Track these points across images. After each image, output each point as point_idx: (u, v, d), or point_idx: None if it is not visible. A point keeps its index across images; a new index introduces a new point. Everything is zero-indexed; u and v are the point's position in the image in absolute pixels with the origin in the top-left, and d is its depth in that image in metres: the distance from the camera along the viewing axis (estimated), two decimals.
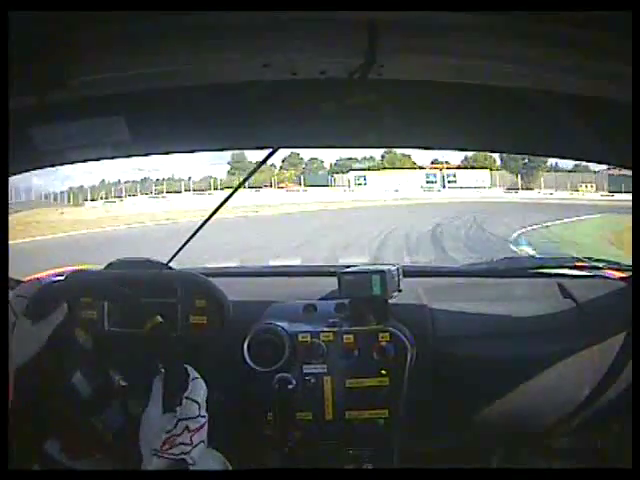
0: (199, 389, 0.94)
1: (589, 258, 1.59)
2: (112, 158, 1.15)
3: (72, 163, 1.21)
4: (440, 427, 1.30)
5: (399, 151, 23.77)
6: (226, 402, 1.24)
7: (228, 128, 1.08)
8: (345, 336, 1.25)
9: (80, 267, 1.61)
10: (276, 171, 25.51)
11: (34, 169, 1.19)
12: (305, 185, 25.36)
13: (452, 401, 1.29)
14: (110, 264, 1.46)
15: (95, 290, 1.13)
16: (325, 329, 1.26)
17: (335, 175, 26.68)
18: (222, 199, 1.13)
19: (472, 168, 25.38)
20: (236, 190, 1.19)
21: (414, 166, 26.26)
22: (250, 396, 1.26)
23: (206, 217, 1.08)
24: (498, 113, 0.98)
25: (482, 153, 20.28)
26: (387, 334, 1.24)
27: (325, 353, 1.25)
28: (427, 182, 25.65)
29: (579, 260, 1.58)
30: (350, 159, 26.17)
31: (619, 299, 1.34)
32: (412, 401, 1.24)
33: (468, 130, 1.05)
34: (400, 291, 1.33)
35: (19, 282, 1.45)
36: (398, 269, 1.33)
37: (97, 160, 1.17)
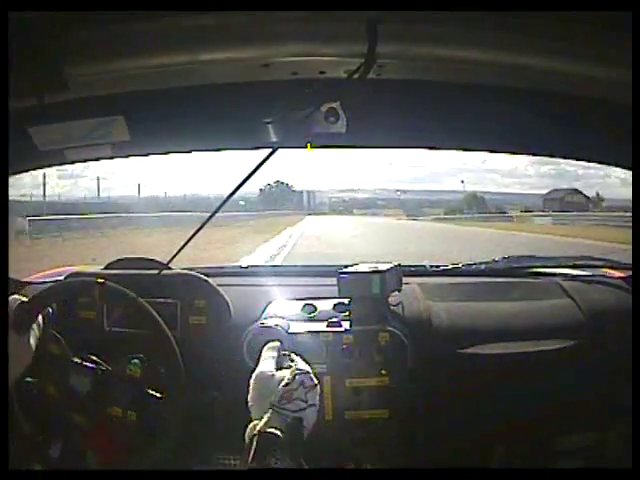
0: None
1: (589, 257, 1.59)
2: (112, 158, 1.15)
3: (72, 163, 1.21)
4: (440, 426, 1.30)
5: None
6: (225, 402, 1.23)
7: (228, 128, 1.08)
8: (345, 336, 1.25)
9: (80, 267, 1.61)
10: None
11: (34, 169, 1.19)
12: None
13: (452, 400, 1.28)
14: (110, 264, 1.46)
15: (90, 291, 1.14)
16: (325, 329, 1.26)
17: None
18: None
19: None
20: (237, 189, 1.18)
21: None
22: None
23: (207, 217, 1.08)
24: (498, 113, 0.98)
25: None
26: (387, 334, 1.24)
27: (325, 353, 1.24)
28: None
29: (579, 259, 1.58)
30: None
31: (619, 298, 1.34)
32: (412, 401, 1.24)
33: (468, 130, 1.05)
34: (400, 290, 1.33)
35: (19, 282, 1.46)
36: (398, 269, 1.33)
37: (97, 160, 1.17)
